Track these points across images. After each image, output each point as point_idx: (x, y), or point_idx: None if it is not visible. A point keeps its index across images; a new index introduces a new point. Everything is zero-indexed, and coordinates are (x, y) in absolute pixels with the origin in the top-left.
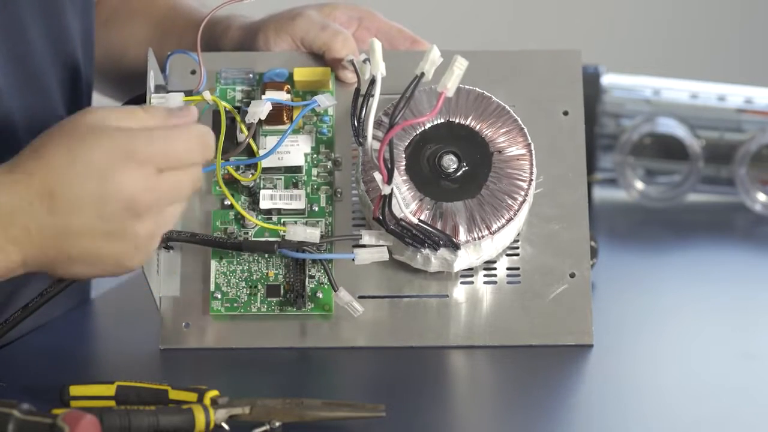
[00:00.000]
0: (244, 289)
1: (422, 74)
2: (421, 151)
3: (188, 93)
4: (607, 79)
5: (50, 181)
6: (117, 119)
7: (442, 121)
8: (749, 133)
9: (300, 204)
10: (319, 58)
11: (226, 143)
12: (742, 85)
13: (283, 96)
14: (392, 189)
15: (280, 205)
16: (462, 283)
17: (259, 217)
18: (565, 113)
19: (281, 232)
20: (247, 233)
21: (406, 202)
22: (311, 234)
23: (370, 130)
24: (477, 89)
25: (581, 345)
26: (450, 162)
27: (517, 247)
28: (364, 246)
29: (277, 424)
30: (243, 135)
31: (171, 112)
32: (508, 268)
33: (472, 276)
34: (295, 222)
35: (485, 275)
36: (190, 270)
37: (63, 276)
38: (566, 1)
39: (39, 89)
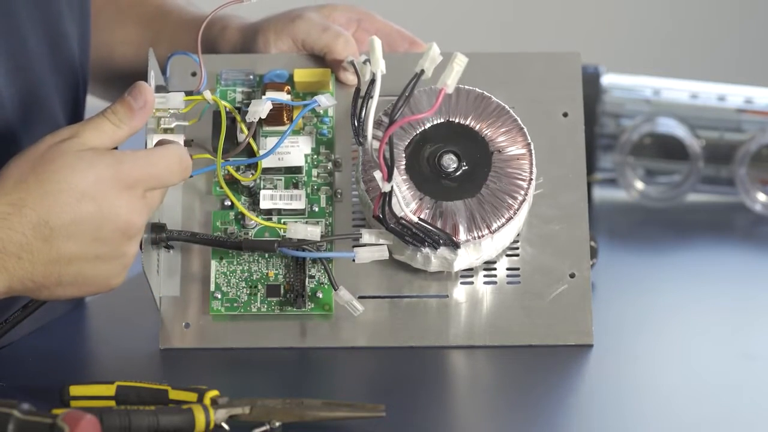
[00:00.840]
0: (244, 289)
1: (422, 72)
2: (421, 151)
3: (189, 93)
4: (607, 79)
5: (43, 210)
6: (91, 139)
7: (442, 120)
8: (749, 133)
9: (300, 204)
10: (319, 59)
11: (227, 143)
12: (742, 85)
13: (283, 97)
14: (392, 187)
15: (281, 205)
16: (462, 283)
17: (260, 217)
18: (565, 115)
19: (281, 232)
20: (247, 233)
21: (406, 201)
22: (312, 232)
23: (370, 129)
24: (477, 89)
25: (581, 345)
26: (450, 161)
27: (517, 248)
28: (364, 245)
29: (277, 424)
30: (243, 135)
31: (132, 110)
32: (508, 269)
33: (472, 276)
34: (296, 222)
35: (485, 275)
36: (190, 270)
37: (46, 299)
38: (566, 1)
39: (38, 95)
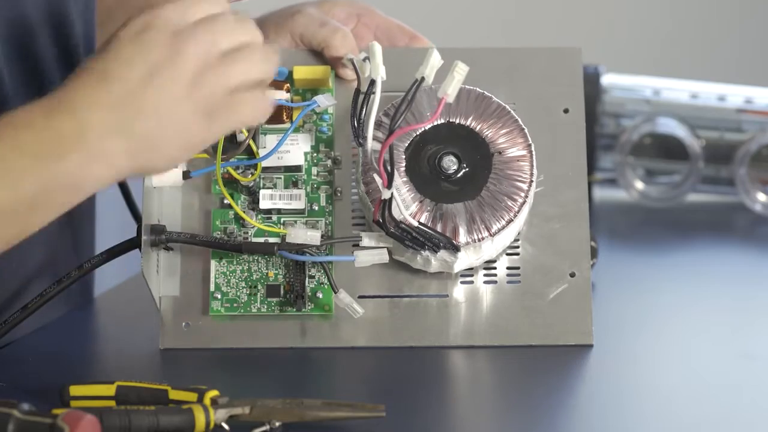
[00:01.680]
0: (244, 290)
1: (422, 78)
2: (422, 152)
3: None
4: (607, 79)
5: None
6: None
7: (443, 121)
8: (749, 133)
9: (300, 203)
10: (319, 56)
11: (226, 143)
12: (742, 85)
13: (283, 96)
14: (392, 193)
15: (280, 204)
16: (462, 283)
17: (259, 217)
18: (566, 111)
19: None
20: (247, 233)
21: (406, 204)
22: (312, 236)
23: (370, 132)
24: (477, 89)
25: (581, 345)
26: (450, 163)
27: (518, 247)
28: (364, 248)
29: (277, 424)
30: (243, 135)
31: None
32: (508, 268)
33: (472, 276)
34: (295, 222)
35: (485, 275)
36: (189, 270)
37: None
38: (566, 0)
39: (44, 91)
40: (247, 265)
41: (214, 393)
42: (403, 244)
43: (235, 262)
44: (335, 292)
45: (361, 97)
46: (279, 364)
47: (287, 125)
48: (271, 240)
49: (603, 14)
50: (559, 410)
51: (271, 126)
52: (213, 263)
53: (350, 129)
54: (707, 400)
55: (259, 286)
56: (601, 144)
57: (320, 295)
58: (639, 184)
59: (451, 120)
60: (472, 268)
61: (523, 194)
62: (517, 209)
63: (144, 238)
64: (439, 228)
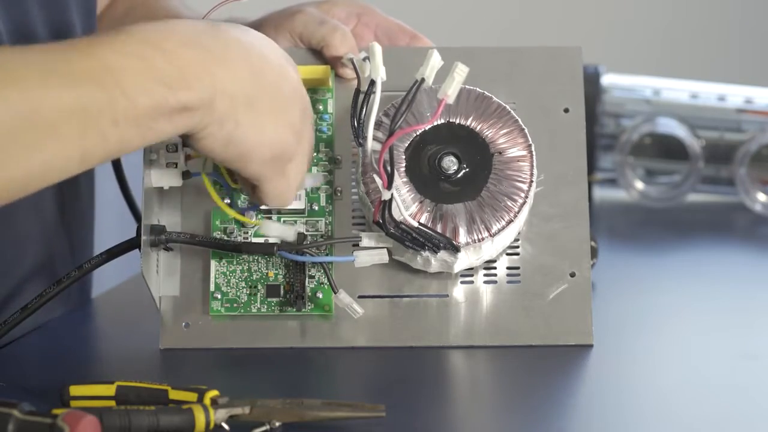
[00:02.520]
0: (244, 290)
1: (422, 79)
2: (422, 153)
3: None
4: (607, 79)
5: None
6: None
7: (443, 121)
8: (749, 133)
9: (300, 204)
10: (318, 55)
11: None
12: (742, 85)
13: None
14: (392, 194)
15: None
16: (462, 282)
17: (259, 216)
18: (566, 110)
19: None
20: (247, 233)
21: (406, 205)
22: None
23: (370, 133)
24: (477, 89)
25: (581, 345)
26: (450, 163)
27: (518, 247)
28: (364, 248)
29: (277, 424)
30: None
31: None
32: (508, 268)
33: (472, 276)
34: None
35: (485, 275)
36: (189, 270)
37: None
38: (566, 0)
39: None
40: (247, 265)
41: (214, 393)
42: (403, 245)
43: (235, 262)
44: (335, 292)
45: (361, 97)
46: (279, 364)
47: None
48: (271, 240)
49: (603, 14)
50: (559, 410)
51: None
52: (213, 263)
53: (350, 129)
54: (707, 400)
55: (259, 286)
56: (601, 144)
57: (320, 295)
58: (639, 184)
59: (451, 120)
60: (472, 268)
61: (523, 194)
62: (517, 209)
63: (144, 238)
64: (439, 228)
